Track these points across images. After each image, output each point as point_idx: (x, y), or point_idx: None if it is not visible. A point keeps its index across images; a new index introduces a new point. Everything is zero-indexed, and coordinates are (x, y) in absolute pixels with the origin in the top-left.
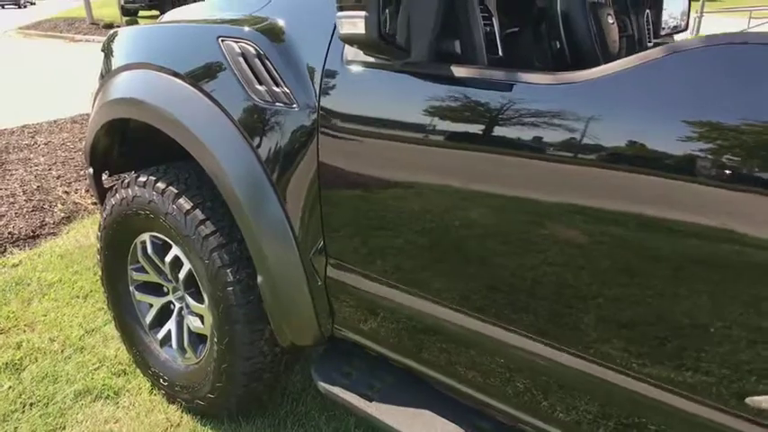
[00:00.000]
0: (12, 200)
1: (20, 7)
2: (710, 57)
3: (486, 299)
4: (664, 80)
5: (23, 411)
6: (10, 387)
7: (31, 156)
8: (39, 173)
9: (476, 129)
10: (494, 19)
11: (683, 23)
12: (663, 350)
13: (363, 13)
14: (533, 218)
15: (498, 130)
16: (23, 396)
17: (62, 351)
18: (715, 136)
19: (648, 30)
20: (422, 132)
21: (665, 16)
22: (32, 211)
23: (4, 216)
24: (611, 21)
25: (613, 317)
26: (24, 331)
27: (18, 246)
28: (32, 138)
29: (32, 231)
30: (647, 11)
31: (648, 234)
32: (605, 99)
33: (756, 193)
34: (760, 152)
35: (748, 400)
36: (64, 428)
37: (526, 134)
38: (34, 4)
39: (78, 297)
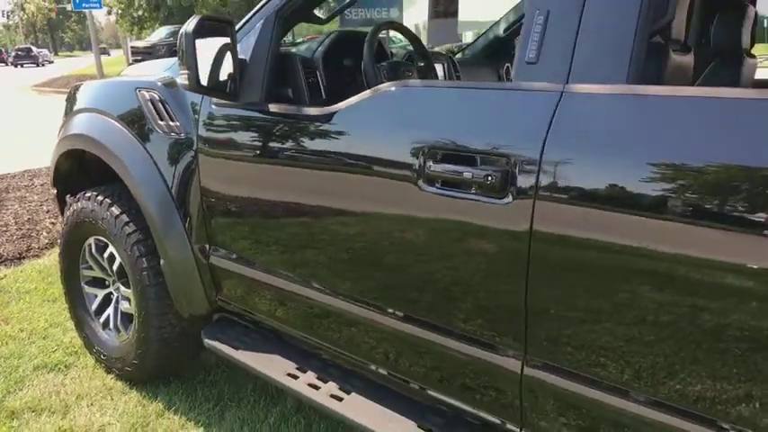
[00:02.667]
0: (4, 229)
1: (38, 65)
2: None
3: (314, 271)
4: (392, 108)
5: None
6: None
7: (27, 195)
8: (31, 208)
9: (284, 146)
10: (318, 72)
11: None
12: (451, 302)
13: (187, 71)
14: (331, 209)
15: (294, 147)
16: None
17: (29, 338)
18: (425, 149)
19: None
20: (256, 150)
21: None
22: (21, 237)
23: None
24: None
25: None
26: (1, 324)
27: (5, 265)
28: (31, 180)
29: (19, 254)
30: (507, 64)
31: (387, 222)
32: (348, 122)
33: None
34: (452, 158)
35: None
36: (22, 388)
37: (310, 149)
38: (52, 62)
39: (48, 301)
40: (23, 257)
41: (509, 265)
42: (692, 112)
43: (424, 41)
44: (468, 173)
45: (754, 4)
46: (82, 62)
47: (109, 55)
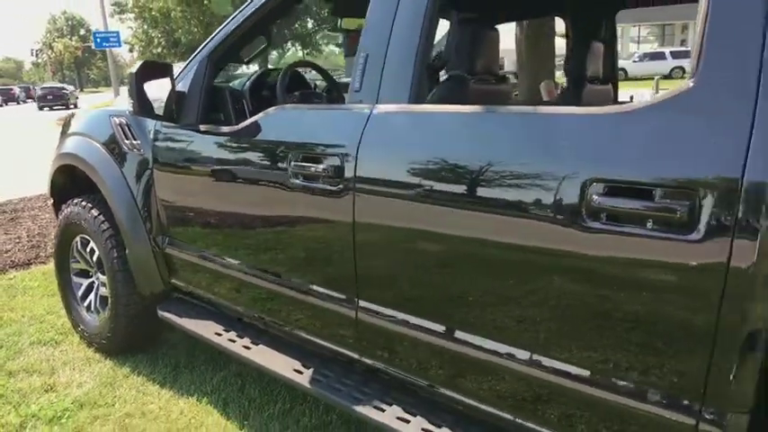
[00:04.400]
0: (17, 240)
1: (67, 107)
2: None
3: (234, 253)
4: (272, 124)
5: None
6: None
7: (40, 214)
8: (42, 224)
9: (208, 156)
10: (245, 101)
11: None
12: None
13: (131, 100)
14: (240, 204)
15: (214, 157)
16: None
17: (29, 322)
18: (291, 153)
19: None
20: (190, 161)
21: None
22: (31, 248)
23: (10, 250)
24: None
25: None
26: (7, 312)
27: (16, 269)
28: (45, 202)
29: (28, 260)
30: None
31: (270, 210)
32: (245, 136)
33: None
34: (309, 159)
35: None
36: (20, 357)
37: (223, 157)
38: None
39: (48, 295)
40: (31, 263)
41: (343, 240)
42: (440, 123)
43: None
44: (316, 168)
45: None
46: (105, 97)
47: None
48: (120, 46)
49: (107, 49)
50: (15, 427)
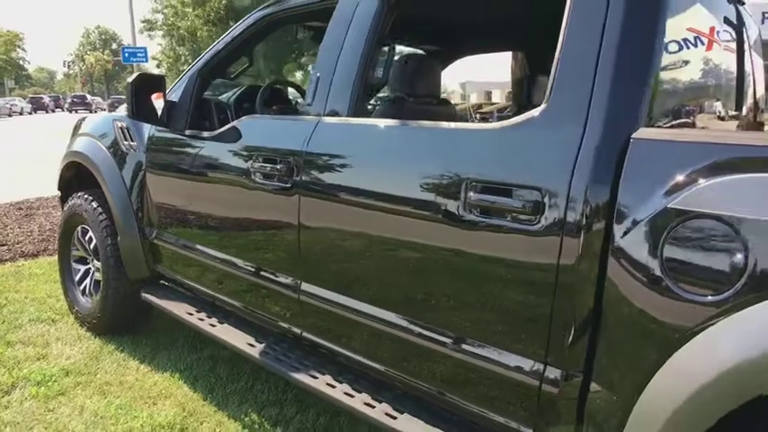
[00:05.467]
0: (29, 234)
1: (90, 111)
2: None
3: (209, 243)
4: (240, 131)
5: (1, 323)
6: None
7: (53, 212)
8: (53, 221)
9: (190, 158)
10: (229, 112)
11: None
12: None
13: (127, 106)
14: (217, 201)
15: (195, 158)
16: (1, 318)
17: (30, 302)
18: (253, 155)
19: None
20: (176, 161)
21: None
22: (41, 241)
23: (21, 242)
24: None
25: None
26: (12, 293)
27: (24, 258)
28: (58, 202)
29: (37, 252)
30: None
31: (238, 205)
32: (220, 141)
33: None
34: (267, 159)
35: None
36: (19, 331)
37: (203, 159)
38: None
39: (51, 282)
40: (39, 254)
41: (291, 232)
42: (368, 133)
43: None
44: (273, 168)
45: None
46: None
47: None
48: (146, 61)
49: (134, 64)
50: (7, 386)
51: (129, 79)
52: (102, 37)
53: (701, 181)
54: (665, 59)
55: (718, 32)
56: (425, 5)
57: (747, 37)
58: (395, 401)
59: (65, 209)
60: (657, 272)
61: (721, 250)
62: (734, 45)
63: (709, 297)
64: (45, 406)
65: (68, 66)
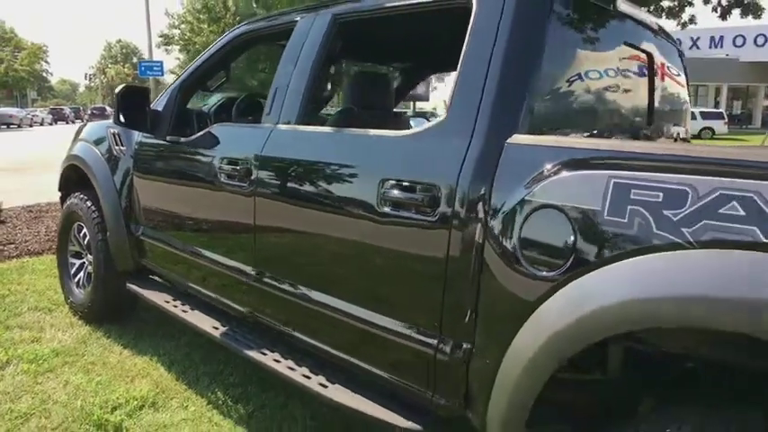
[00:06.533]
0: (36, 234)
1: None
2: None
3: (186, 239)
4: (210, 137)
5: (3, 310)
6: None
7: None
8: None
9: (170, 161)
10: (208, 120)
11: None
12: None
13: (114, 113)
14: (193, 200)
15: (174, 161)
16: (3, 306)
17: (30, 293)
18: (219, 157)
19: None
20: (159, 164)
21: None
22: (46, 240)
23: (28, 241)
24: None
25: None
26: (15, 285)
27: (29, 255)
28: None
29: (42, 250)
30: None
31: (208, 201)
32: (194, 145)
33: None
34: (230, 162)
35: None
36: (17, 317)
37: (180, 162)
38: None
39: (51, 276)
40: (43, 252)
41: (247, 224)
42: (309, 138)
43: None
44: (234, 170)
45: None
46: None
47: None
48: (162, 75)
49: (150, 78)
50: (2, 363)
51: (116, 90)
52: (124, 51)
53: (548, 177)
54: (546, 83)
55: (619, 59)
56: (368, 32)
57: (655, 61)
58: (331, 375)
59: (63, 208)
60: (516, 254)
61: (558, 234)
62: (635, 68)
63: (552, 273)
64: (34, 380)
65: (90, 78)
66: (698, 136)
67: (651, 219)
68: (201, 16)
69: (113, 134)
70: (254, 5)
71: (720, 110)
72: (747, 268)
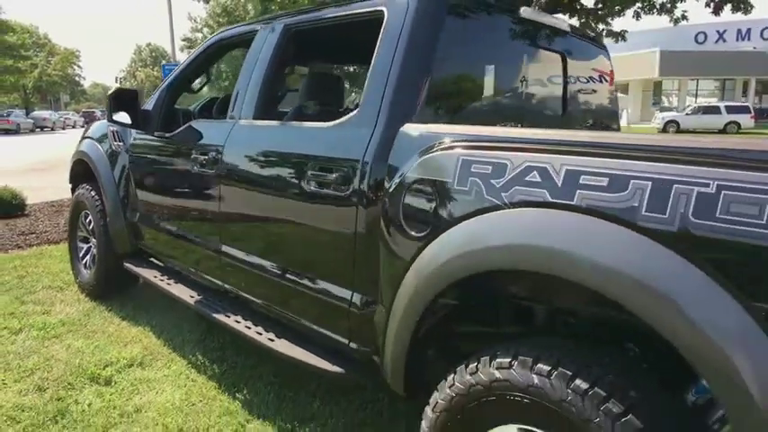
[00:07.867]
0: (56, 226)
1: None
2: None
3: (174, 222)
4: (188, 131)
5: (20, 288)
6: (17, 283)
7: None
8: None
9: (157, 153)
10: (193, 118)
11: None
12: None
13: (107, 113)
14: (175, 187)
15: (160, 154)
16: (20, 285)
17: (46, 275)
18: (195, 148)
19: None
20: (149, 156)
21: None
22: (64, 231)
23: (48, 231)
24: None
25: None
26: (32, 268)
27: (48, 244)
28: None
29: (60, 239)
30: None
31: (190, 186)
32: (176, 140)
33: None
34: (201, 151)
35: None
36: (32, 294)
37: (165, 154)
38: None
39: (66, 261)
40: (60, 242)
41: (215, 207)
42: (262, 131)
43: None
44: (204, 159)
45: None
46: None
47: None
48: None
49: None
50: (16, 330)
51: (109, 92)
52: (153, 54)
53: (422, 156)
54: (440, 80)
55: (522, 61)
56: (314, 39)
57: (566, 60)
58: (280, 333)
59: (73, 198)
60: (400, 219)
61: (425, 202)
62: (543, 66)
63: (421, 234)
64: (42, 344)
65: (120, 82)
66: (723, 130)
67: (483, 187)
68: (221, 20)
69: (113, 132)
70: (273, 8)
71: (747, 103)
72: (534, 222)
